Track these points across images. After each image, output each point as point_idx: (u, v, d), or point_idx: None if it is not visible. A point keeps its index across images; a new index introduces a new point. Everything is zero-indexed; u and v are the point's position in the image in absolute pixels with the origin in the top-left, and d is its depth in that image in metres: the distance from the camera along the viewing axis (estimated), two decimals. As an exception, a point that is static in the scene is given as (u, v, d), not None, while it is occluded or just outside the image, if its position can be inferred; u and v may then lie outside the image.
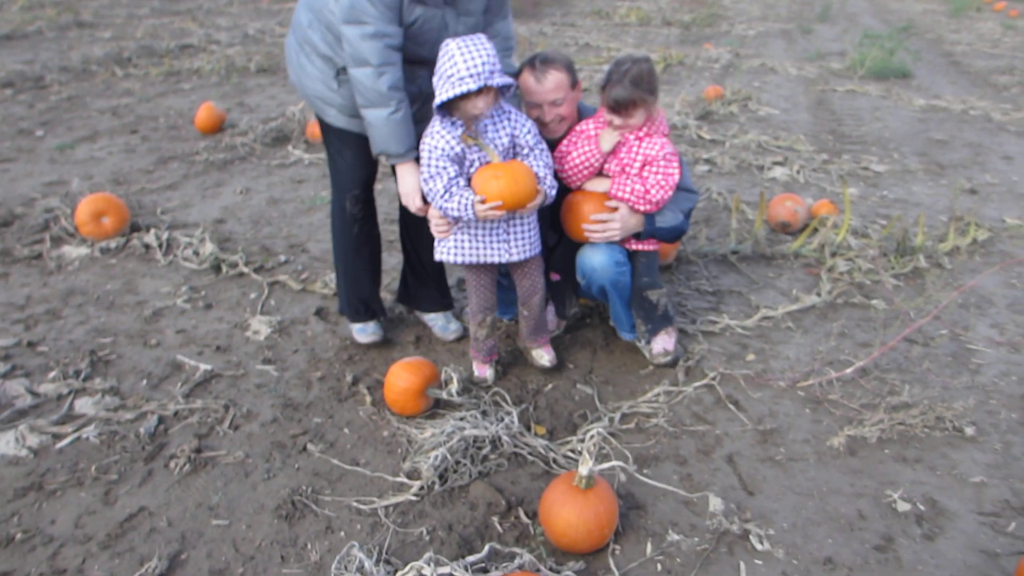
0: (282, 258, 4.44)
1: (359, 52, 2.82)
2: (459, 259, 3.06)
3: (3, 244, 4.46)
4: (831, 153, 6.64)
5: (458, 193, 2.87)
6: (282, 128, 6.75)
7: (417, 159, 3.00)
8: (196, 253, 4.40)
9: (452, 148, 2.89)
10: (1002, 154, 6.77)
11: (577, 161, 3.17)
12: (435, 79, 2.80)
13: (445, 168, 2.89)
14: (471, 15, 3.03)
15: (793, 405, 3.21)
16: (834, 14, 16.61)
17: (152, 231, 4.58)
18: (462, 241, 3.04)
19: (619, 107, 3.03)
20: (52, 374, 3.23)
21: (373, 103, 2.89)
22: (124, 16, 13.48)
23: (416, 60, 2.99)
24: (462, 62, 2.69)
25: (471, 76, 2.70)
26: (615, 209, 3.16)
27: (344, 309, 3.59)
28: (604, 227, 3.16)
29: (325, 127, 3.24)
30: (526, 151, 3.01)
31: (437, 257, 3.12)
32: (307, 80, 3.10)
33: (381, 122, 2.92)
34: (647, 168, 3.14)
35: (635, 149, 3.14)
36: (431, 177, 2.90)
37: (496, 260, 3.06)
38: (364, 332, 3.55)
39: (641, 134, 3.13)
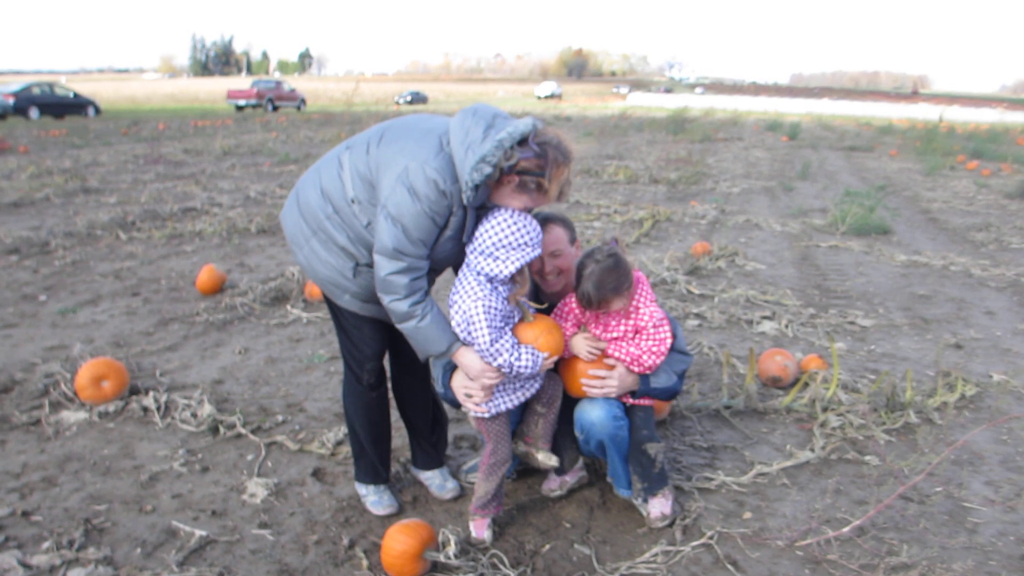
0: (280, 418, 4.48)
1: (389, 284, 2.91)
2: (510, 404, 3.20)
3: (1, 411, 4.49)
4: (817, 307, 6.81)
5: (524, 350, 3.00)
6: (281, 288, 6.92)
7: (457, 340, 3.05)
8: (194, 415, 4.44)
9: (505, 308, 3.01)
10: (984, 309, 6.95)
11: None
12: (492, 247, 2.92)
13: (504, 327, 3.01)
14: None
15: (792, 565, 3.19)
16: (814, 172, 17.32)
17: (151, 394, 4.63)
18: (505, 390, 3.18)
19: (589, 307, 3.17)
20: (45, 544, 3.20)
21: (401, 320, 2.98)
22: (129, 182, 13.97)
23: (437, 268, 3.14)
24: (527, 232, 2.94)
25: (539, 241, 2.99)
26: (613, 367, 3.27)
27: (365, 476, 3.57)
28: (602, 383, 3.27)
29: (337, 308, 3.26)
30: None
31: (491, 411, 3.18)
32: (320, 266, 3.11)
33: (413, 331, 2.99)
34: (639, 335, 3.26)
35: (623, 322, 3.26)
36: (498, 338, 2.96)
37: (534, 391, 3.25)
38: (380, 504, 3.53)
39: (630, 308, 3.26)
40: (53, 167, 15.47)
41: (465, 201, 2.83)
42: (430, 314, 2.95)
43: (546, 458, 3.38)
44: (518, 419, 3.44)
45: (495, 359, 2.96)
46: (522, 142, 2.77)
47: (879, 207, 10.78)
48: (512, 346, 2.97)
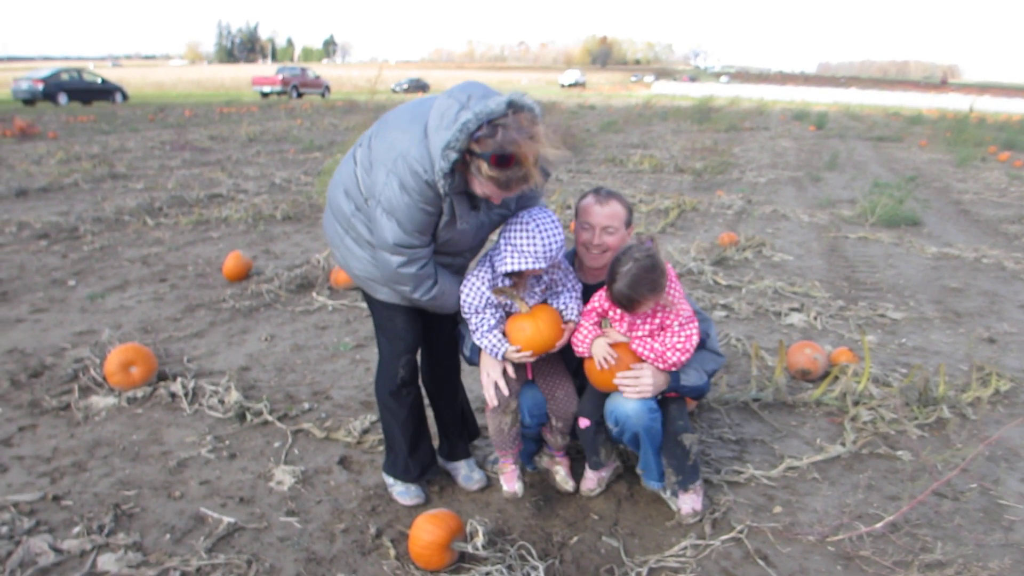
0: (306, 405, 4.49)
1: (398, 276, 2.96)
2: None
3: (32, 395, 4.53)
4: (847, 300, 6.73)
5: (491, 336, 3.12)
6: (307, 275, 6.93)
7: None
8: (221, 402, 4.45)
9: (490, 297, 3.12)
10: (1018, 303, 6.83)
11: (582, 335, 3.26)
12: (504, 244, 3.00)
13: (486, 309, 3.13)
14: (504, 206, 3.06)
15: (824, 561, 3.15)
16: (842, 162, 17.13)
17: (179, 380, 4.64)
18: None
19: (622, 306, 3.11)
20: (76, 529, 3.22)
21: (420, 303, 3.11)
22: (156, 168, 14.06)
23: (455, 252, 3.14)
24: (540, 244, 2.95)
25: (545, 257, 2.96)
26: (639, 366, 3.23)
27: (393, 470, 3.56)
28: (637, 381, 3.20)
29: (373, 301, 3.28)
30: (559, 288, 3.24)
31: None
32: (355, 262, 3.12)
33: (432, 307, 3.16)
34: (664, 331, 3.20)
35: (650, 320, 3.21)
36: (475, 312, 3.13)
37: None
38: (407, 495, 3.52)
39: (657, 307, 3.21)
40: (81, 153, 15.61)
41: (441, 190, 2.72)
42: (445, 291, 3.08)
43: (563, 481, 3.56)
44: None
45: (473, 334, 3.17)
46: (492, 123, 2.58)
47: (909, 198, 10.64)
48: (477, 326, 3.14)
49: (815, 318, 6.15)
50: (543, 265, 2.97)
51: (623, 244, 3.31)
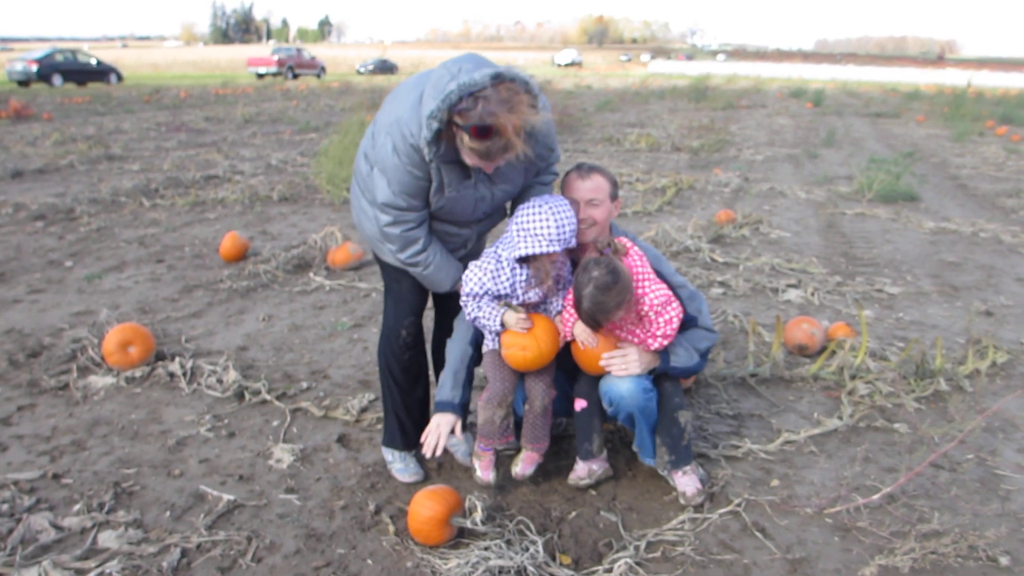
0: (304, 384, 4.49)
1: (386, 235, 3.09)
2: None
3: (31, 375, 4.53)
4: (844, 275, 6.73)
5: (492, 314, 3.14)
6: (303, 255, 6.91)
7: None
8: (220, 381, 4.45)
9: (497, 289, 3.13)
10: (1015, 276, 6.84)
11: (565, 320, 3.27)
12: (516, 229, 3.04)
13: (483, 298, 3.16)
14: (508, 182, 3.11)
15: (821, 532, 3.17)
16: (839, 139, 17.09)
17: (177, 359, 4.64)
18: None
19: (595, 327, 3.09)
20: (76, 507, 3.23)
21: (409, 267, 3.20)
22: (152, 149, 14.01)
23: (457, 222, 3.20)
24: (554, 226, 2.98)
25: (559, 240, 2.99)
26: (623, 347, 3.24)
27: (391, 440, 3.59)
28: (624, 359, 3.20)
29: (382, 263, 3.41)
30: (561, 286, 3.28)
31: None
32: (366, 222, 3.24)
33: (420, 277, 3.26)
34: (643, 320, 3.20)
35: (625, 317, 3.20)
36: (473, 298, 3.16)
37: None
38: (406, 471, 3.53)
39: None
40: (77, 134, 15.55)
41: (427, 156, 2.80)
42: (434, 263, 3.16)
43: (521, 471, 3.38)
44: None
45: (467, 303, 3.20)
46: (474, 95, 2.62)
47: (906, 174, 10.61)
48: (473, 311, 3.17)
49: (812, 294, 6.15)
50: (557, 249, 2.98)
51: (610, 217, 3.32)
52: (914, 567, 2.93)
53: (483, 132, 2.60)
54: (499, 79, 2.62)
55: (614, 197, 3.33)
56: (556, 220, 2.98)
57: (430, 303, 3.62)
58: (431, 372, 3.74)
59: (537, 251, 2.98)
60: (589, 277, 2.96)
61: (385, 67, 61.66)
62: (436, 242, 3.17)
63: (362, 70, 60.46)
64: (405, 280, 3.36)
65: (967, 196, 10.76)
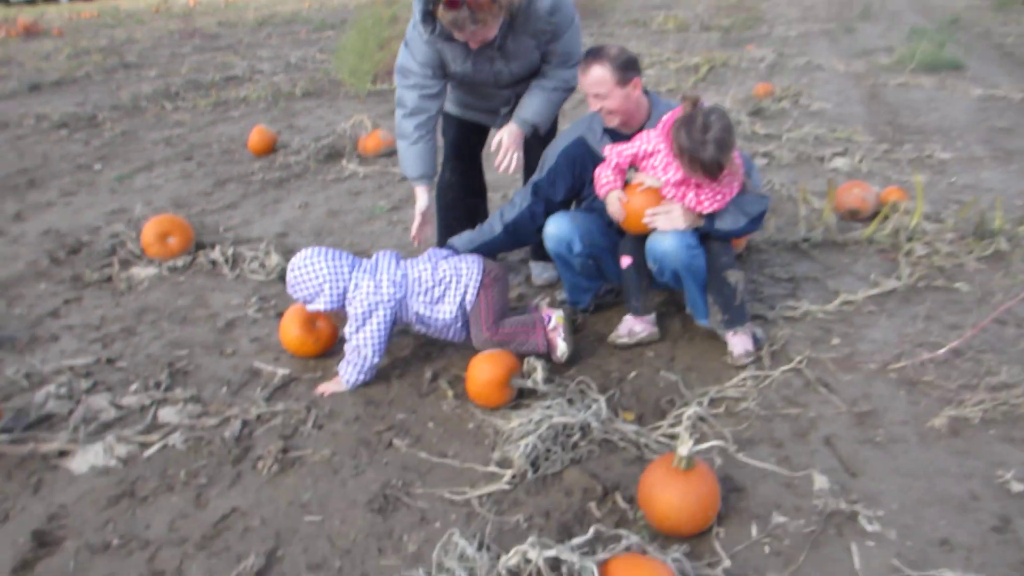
0: (348, 266, 4.43)
1: (400, 97, 3.45)
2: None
3: (73, 270, 4.51)
4: (892, 143, 6.49)
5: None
6: (334, 145, 6.79)
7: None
8: (262, 265, 4.40)
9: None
10: (1070, 136, 6.56)
11: (602, 182, 3.25)
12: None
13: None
14: (519, 58, 3.37)
15: (887, 387, 3.09)
16: (875, 12, 16.38)
17: (217, 247, 4.59)
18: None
19: (711, 174, 2.98)
20: (133, 387, 3.23)
21: (400, 136, 3.51)
22: (167, 56, 13.76)
23: (487, 88, 3.58)
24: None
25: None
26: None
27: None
28: (668, 216, 3.14)
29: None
30: None
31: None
32: None
33: (402, 150, 3.53)
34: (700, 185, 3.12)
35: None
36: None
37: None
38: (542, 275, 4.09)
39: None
40: (90, 46, 15.31)
41: (422, 34, 3.18)
42: (421, 143, 3.46)
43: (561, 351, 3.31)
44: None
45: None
46: None
47: (950, 42, 10.15)
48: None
49: (860, 161, 5.95)
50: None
51: (629, 100, 3.23)
52: (984, 418, 2.86)
53: (452, 4, 2.89)
54: None
55: (624, 82, 3.17)
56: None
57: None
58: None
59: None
60: (706, 122, 2.90)
61: None
62: (430, 136, 3.49)
63: None
64: (450, 130, 3.90)
65: (1015, 64, 10.29)
